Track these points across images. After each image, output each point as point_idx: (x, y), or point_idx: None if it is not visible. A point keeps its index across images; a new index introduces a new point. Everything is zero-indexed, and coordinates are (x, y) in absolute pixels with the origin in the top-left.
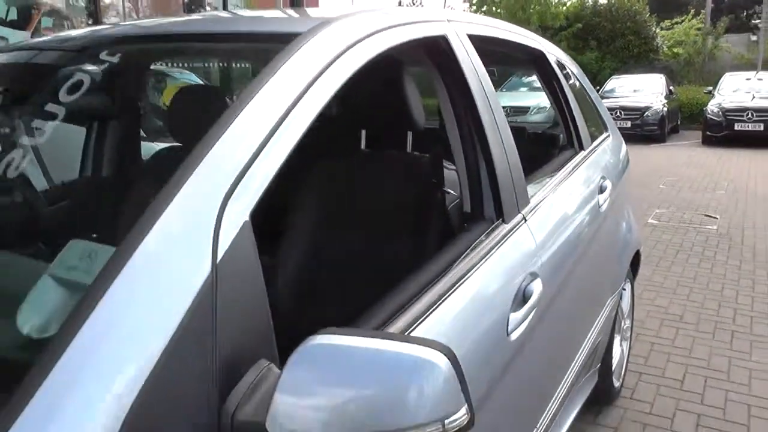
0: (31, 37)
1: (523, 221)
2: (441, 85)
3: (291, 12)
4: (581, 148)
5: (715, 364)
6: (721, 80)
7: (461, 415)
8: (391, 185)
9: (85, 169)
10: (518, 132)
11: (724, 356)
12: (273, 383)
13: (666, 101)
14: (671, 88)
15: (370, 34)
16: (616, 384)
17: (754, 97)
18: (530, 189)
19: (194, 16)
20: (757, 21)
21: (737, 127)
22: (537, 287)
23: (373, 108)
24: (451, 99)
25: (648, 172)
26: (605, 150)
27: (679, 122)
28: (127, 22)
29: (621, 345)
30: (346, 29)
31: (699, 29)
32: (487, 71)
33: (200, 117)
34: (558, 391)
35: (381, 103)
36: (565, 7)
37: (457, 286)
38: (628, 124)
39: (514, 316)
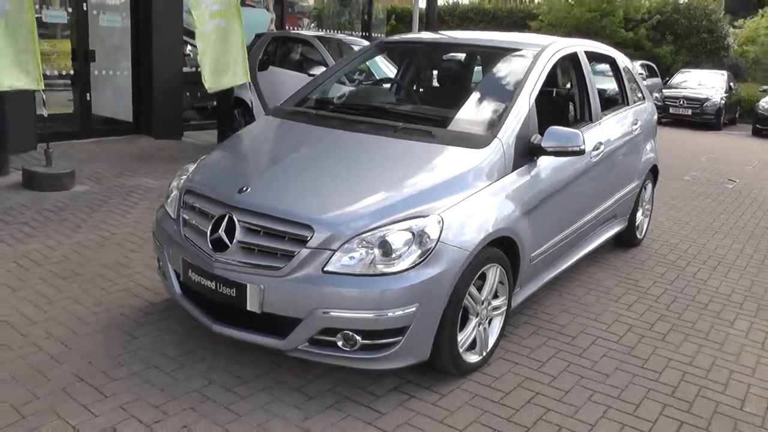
0: None
1: (599, 123)
2: (573, 73)
3: (529, 38)
4: (627, 104)
5: (700, 242)
6: None
7: (582, 143)
8: None
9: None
10: (600, 93)
11: (705, 240)
12: (539, 138)
13: (725, 95)
14: (731, 84)
15: (559, 50)
16: (639, 236)
17: None
18: (602, 114)
19: (481, 35)
20: None
21: None
22: (601, 147)
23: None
24: (577, 79)
25: (696, 150)
26: (640, 108)
27: (737, 115)
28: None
29: (642, 215)
30: (552, 48)
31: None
32: (590, 64)
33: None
34: (600, 207)
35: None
36: (648, 1)
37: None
38: (689, 111)
39: (593, 153)
